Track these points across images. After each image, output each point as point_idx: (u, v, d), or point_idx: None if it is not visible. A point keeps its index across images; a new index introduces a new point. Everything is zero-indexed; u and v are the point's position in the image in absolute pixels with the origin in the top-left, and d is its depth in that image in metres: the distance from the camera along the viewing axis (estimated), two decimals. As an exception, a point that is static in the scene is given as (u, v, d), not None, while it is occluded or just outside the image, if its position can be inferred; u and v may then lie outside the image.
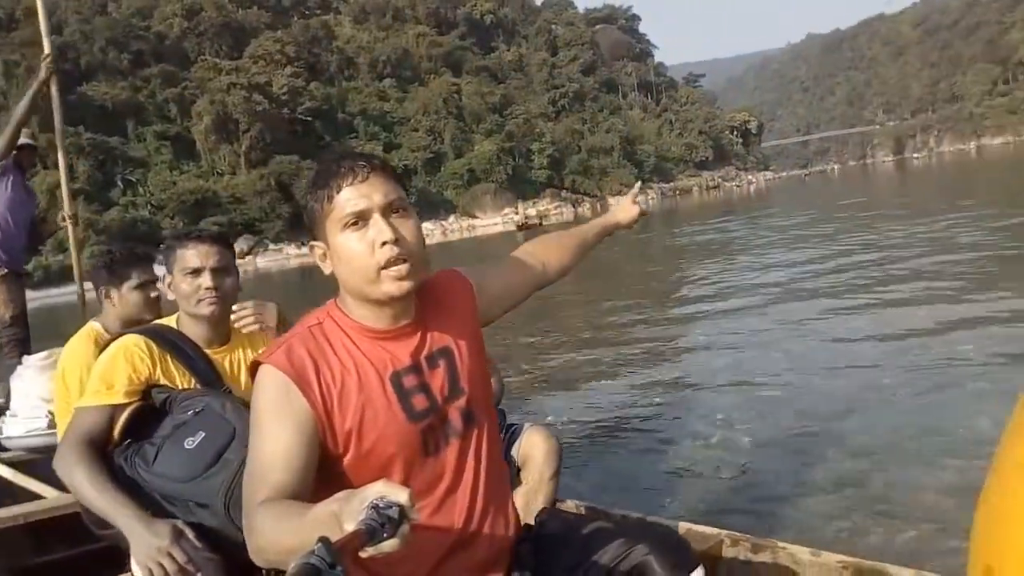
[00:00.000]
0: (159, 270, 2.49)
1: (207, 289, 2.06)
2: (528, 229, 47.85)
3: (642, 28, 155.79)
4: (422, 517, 1.01)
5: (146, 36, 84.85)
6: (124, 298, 2.69)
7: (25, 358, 3.61)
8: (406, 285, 1.30)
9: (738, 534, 1.93)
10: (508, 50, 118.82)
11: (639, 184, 2.07)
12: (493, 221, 77.38)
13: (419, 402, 1.36)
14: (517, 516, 1.52)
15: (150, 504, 1.83)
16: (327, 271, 1.36)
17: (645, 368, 6.61)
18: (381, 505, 0.91)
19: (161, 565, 1.71)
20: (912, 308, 7.30)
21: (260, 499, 1.20)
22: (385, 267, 1.28)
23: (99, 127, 69.12)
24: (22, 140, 5.03)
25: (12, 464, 3.18)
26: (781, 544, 1.86)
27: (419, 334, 1.40)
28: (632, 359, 7.07)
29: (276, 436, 1.25)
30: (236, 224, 66.40)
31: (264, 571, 1.83)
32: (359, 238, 1.29)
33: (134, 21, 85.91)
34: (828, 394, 4.93)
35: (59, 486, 2.51)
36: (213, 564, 1.77)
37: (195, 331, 2.13)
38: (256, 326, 2.21)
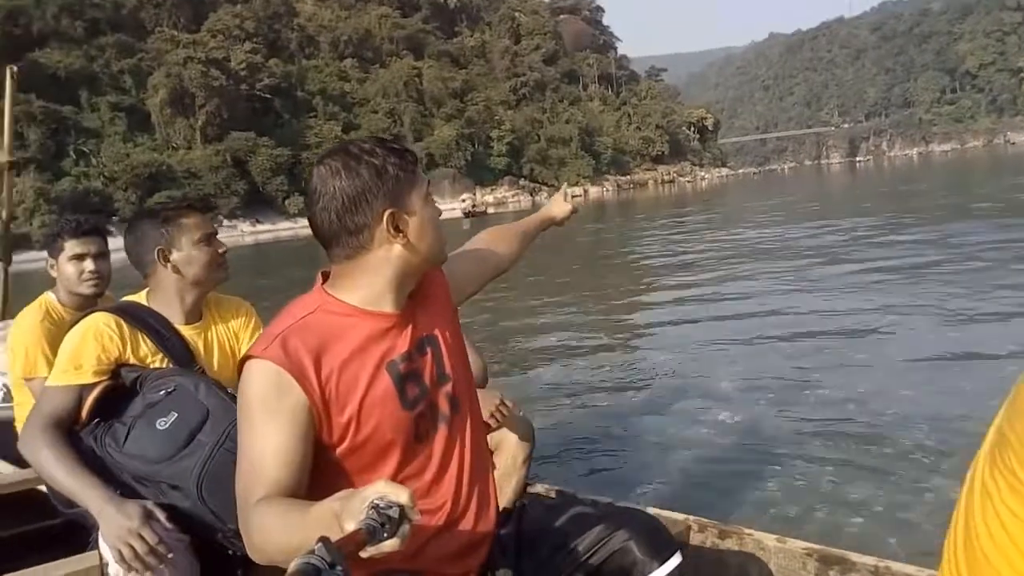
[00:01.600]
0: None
1: (221, 254, 2.10)
2: (475, 217, 48.29)
3: (606, 20, 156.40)
4: None
5: (102, 4, 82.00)
6: (61, 269, 2.65)
7: None
8: None
9: (705, 520, 1.96)
10: (471, 35, 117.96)
11: (567, 185, 2.17)
12: (451, 207, 76.55)
13: (412, 389, 1.37)
14: (497, 499, 1.55)
15: (120, 485, 1.80)
16: (398, 243, 1.35)
17: (608, 355, 6.70)
18: (381, 505, 0.91)
19: (131, 546, 1.68)
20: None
21: (257, 497, 1.19)
22: None
23: (51, 95, 66.76)
24: None
25: None
26: (747, 530, 1.89)
27: (410, 321, 1.41)
28: (597, 344, 7.17)
29: (270, 433, 1.24)
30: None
31: (235, 553, 1.83)
32: (435, 211, 1.42)
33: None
34: (794, 383, 5.05)
35: (15, 461, 2.46)
36: (184, 545, 1.77)
37: (169, 308, 2.09)
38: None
